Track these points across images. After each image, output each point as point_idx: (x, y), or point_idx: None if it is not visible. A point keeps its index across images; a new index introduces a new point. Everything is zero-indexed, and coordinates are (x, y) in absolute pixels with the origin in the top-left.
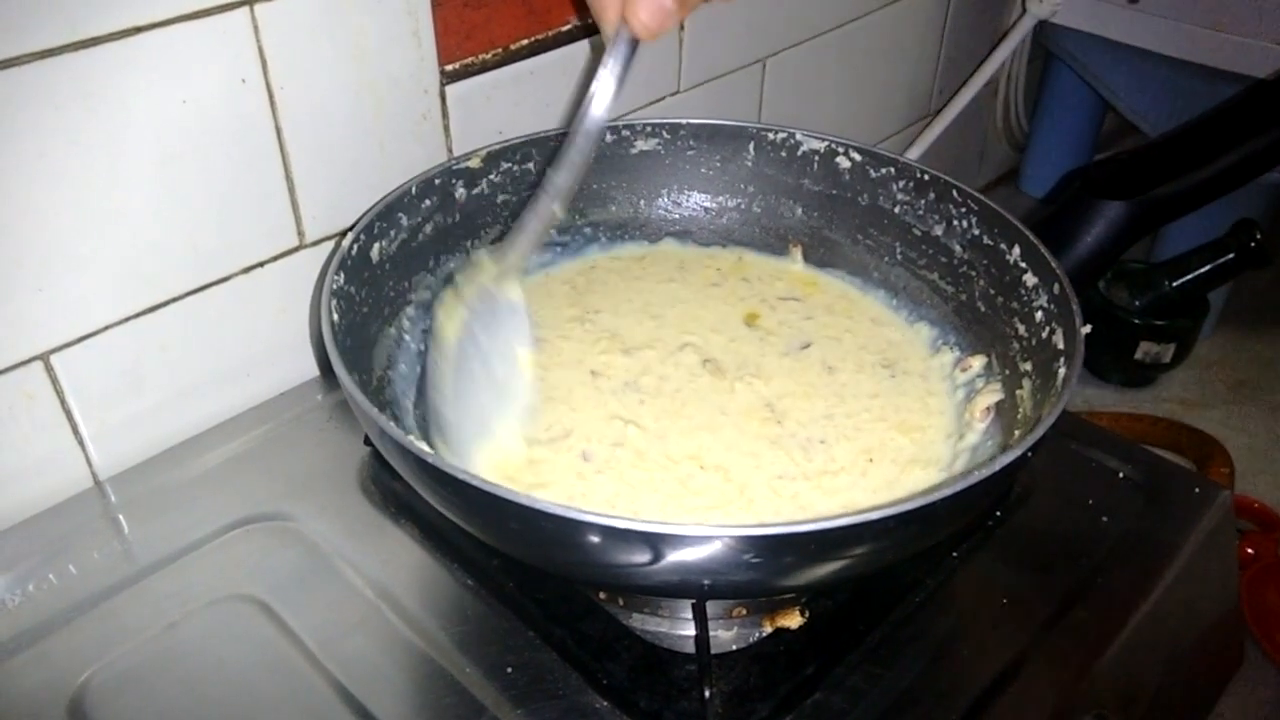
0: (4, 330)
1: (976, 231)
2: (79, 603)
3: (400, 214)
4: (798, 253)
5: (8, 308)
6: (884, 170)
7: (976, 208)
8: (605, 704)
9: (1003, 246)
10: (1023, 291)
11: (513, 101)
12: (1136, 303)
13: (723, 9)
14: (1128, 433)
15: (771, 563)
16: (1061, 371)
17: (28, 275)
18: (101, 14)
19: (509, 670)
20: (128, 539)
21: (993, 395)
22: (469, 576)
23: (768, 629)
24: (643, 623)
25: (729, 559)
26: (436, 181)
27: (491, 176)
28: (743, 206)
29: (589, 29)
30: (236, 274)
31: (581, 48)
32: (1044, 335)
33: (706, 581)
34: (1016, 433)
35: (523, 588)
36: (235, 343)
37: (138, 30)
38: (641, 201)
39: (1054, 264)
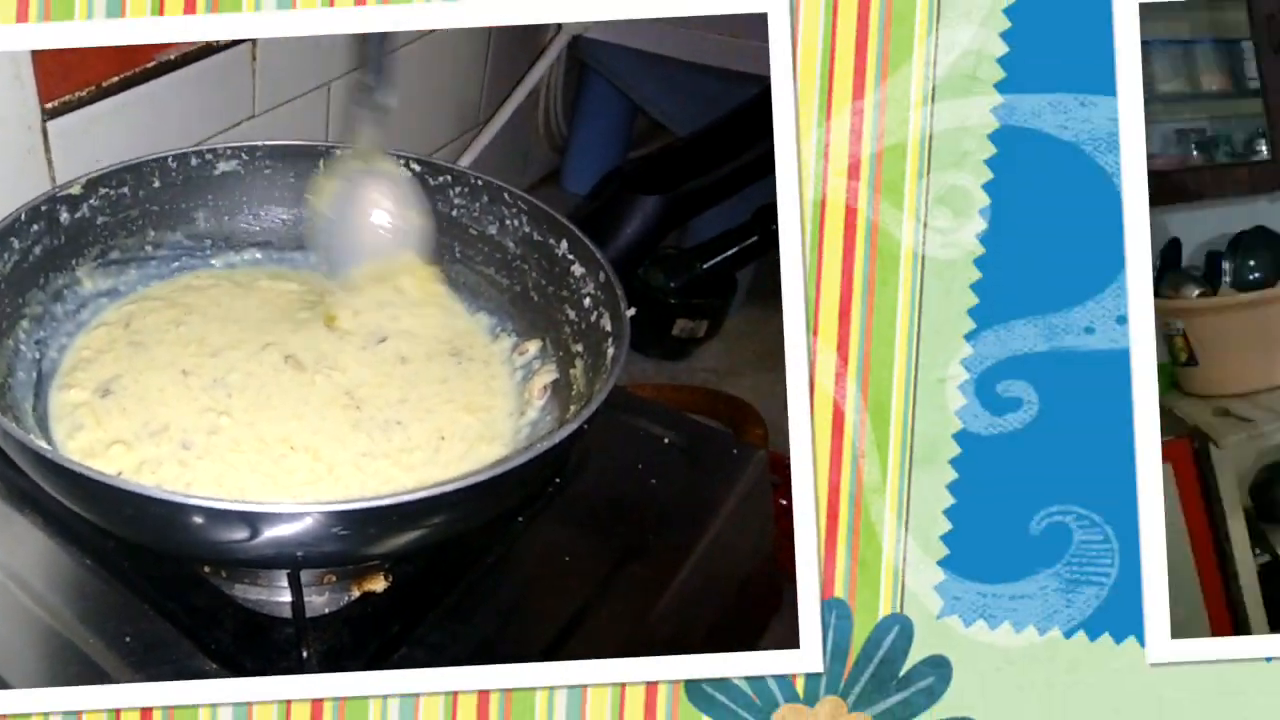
0: None
1: (527, 229)
2: None
3: (13, 239)
4: None
5: None
6: (441, 178)
7: (526, 208)
8: (214, 666)
9: (551, 241)
10: (571, 280)
11: (108, 133)
12: (672, 284)
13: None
14: (670, 402)
15: (357, 534)
16: (610, 351)
17: None
18: None
19: (127, 639)
20: None
21: (548, 375)
22: (88, 558)
23: (356, 593)
24: (245, 592)
25: (319, 533)
26: (43, 208)
27: (92, 201)
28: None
29: (169, 66)
30: None
31: (166, 81)
32: (593, 319)
33: (300, 553)
34: (572, 408)
35: (137, 566)
36: None
37: None
38: (225, 217)
39: (598, 254)
